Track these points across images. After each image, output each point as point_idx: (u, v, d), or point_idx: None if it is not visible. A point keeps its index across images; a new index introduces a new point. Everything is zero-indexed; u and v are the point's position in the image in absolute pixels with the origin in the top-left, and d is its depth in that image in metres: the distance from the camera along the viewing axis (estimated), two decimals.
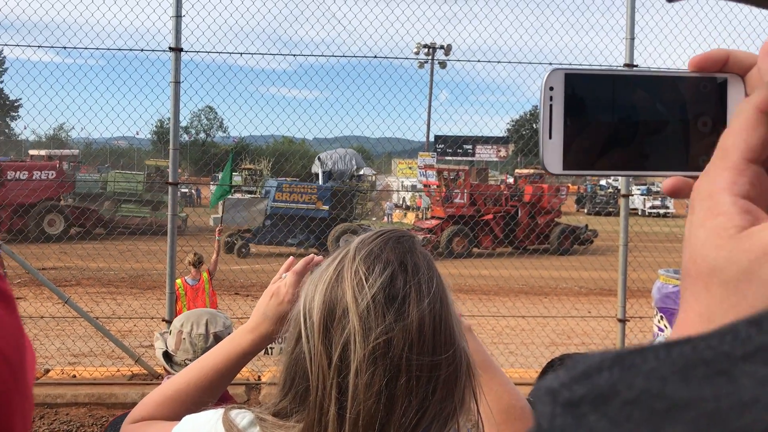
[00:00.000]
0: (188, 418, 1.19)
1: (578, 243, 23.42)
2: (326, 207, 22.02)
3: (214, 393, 1.38)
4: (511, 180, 30.42)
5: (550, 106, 0.63)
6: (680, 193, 0.62)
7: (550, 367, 2.09)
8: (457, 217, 22.54)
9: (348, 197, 22.96)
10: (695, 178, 0.65)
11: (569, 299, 13.85)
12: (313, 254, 1.41)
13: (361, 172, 27.21)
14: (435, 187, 25.01)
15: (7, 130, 64.29)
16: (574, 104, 0.64)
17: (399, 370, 0.99)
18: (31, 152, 30.79)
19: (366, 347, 0.99)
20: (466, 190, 23.65)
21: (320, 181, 24.69)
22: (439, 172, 25.44)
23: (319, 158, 26.09)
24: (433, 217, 24.74)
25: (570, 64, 7.98)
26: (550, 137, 0.63)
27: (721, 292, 0.44)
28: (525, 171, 28.80)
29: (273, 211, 21.89)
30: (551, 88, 0.64)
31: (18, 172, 23.48)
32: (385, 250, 1.06)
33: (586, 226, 24.44)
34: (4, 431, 0.39)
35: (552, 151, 0.63)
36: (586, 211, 38.14)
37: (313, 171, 27.09)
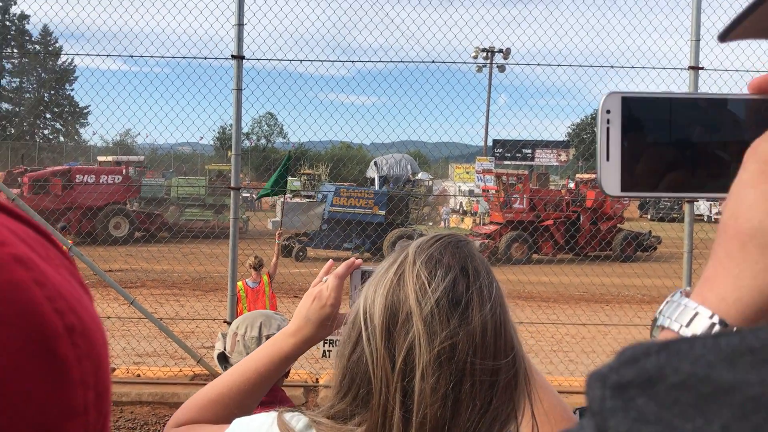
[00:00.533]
0: (239, 421, 1.20)
1: (641, 249, 22.85)
2: (382, 212, 22.12)
3: (256, 396, 1.39)
4: (572, 185, 29.89)
5: (607, 128, 0.64)
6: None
7: None
8: (516, 222, 22.26)
9: (404, 202, 22.99)
10: None
11: (632, 307, 13.52)
12: (353, 258, 1.41)
13: (416, 177, 27.21)
14: (494, 192, 24.78)
15: (76, 137, 66.68)
16: (631, 127, 0.64)
17: (464, 374, 1.00)
18: (100, 158, 31.78)
19: (431, 351, 0.99)
20: (525, 195, 23.35)
21: (376, 186, 24.75)
22: (498, 176, 25.21)
23: (375, 163, 26.20)
24: (491, 223, 24.53)
25: (632, 67, 7.78)
26: (608, 159, 0.64)
27: (757, 254, 0.44)
28: (586, 176, 28.26)
29: (330, 215, 22.08)
30: (608, 111, 0.64)
31: (86, 176, 24.18)
32: (445, 255, 1.06)
33: (650, 232, 23.82)
34: (107, 404, 0.45)
35: (609, 173, 0.64)
36: (649, 216, 37.21)
37: (368, 175, 27.18)
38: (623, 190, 0.64)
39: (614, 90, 0.65)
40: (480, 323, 1.02)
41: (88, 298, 0.47)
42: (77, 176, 24.03)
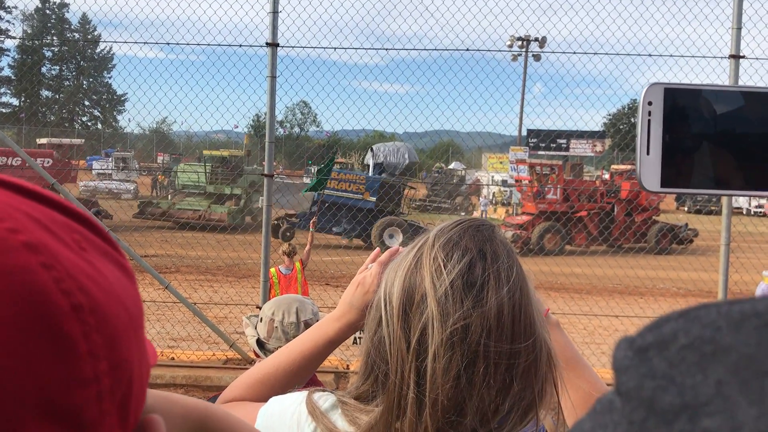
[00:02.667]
0: (274, 400, 1.24)
1: (677, 242, 22.47)
2: (373, 198, 21.56)
3: (300, 378, 1.43)
4: (607, 176, 29.47)
5: (648, 121, 0.62)
6: None
7: None
8: (549, 213, 22.03)
9: (395, 190, 22.44)
10: None
11: (666, 300, 13.35)
12: (397, 246, 1.42)
13: (414, 165, 26.40)
14: (527, 182, 24.53)
15: (114, 123, 67.75)
16: (673, 120, 0.62)
17: (477, 356, 1.00)
18: (39, 141, 30.73)
19: (443, 332, 1.00)
20: (559, 186, 23.08)
21: (370, 173, 24.05)
22: (532, 166, 24.94)
23: (371, 149, 25.61)
24: (524, 213, 24.32)
25: (671, 56, 7.65)
26: (648, 153, 0.62)
27: None
28: (622, 167, 27.83)
29: (318, 197, 21.37)
30: (650, 103, 0.62)
31: (10, 159, 22.24)
32: (464, 238, 1.07)
33: (686, 224, 23.40)
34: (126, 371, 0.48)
35: (650, 168, 0.62)
36: (686, 209, 36.60)
37: (365, 162, 26.45)
38: (663, 185, 0.62)
39: (657, 81, 0.63)
40: (495, 306, 1.02)
41: (125, 276, 0.50)
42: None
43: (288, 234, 20.62)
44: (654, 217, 23.69)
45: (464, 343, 1.00)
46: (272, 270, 8.29)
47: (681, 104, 0.62)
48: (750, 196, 0.66)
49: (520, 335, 1.03)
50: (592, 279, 13.31)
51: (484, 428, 1.01)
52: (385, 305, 1.07)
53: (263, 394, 1.39)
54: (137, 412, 0.50)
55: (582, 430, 0.40)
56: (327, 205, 20.43)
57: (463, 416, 1.00)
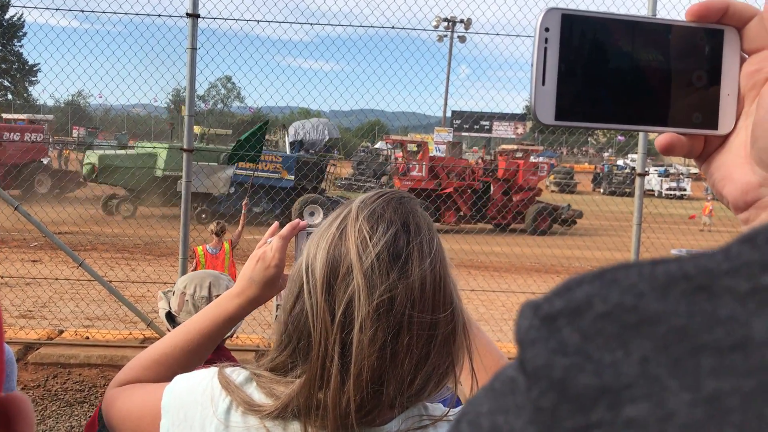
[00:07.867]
0: (181, 377, 1.20)
1: (559, 223, 22.58)
2: (291, 177, 21.46)
3: (200, 356, 1.39)
4: (481, 156, 29.87)
5: (545, 49, 0.58)
6: (673, 150, 0.60)
7: None
8: (419, 190, 21.73)
9: (318, 168, 22.19)
10: (689, 135, 0.60)
11: None
12: (298, 219, 1.41)
13: (337, 141, 26.12)
14: (399, 159, 24.72)
15: (25, 94, 64.55)
16: (569, 49, 0.59)
17: (401, 327, 1.01)
18: (6, 116, 29.78)
19: (370, 304, 1.01)
20: (423, 163, 23.15)
21: (287, 151, 23.69)
22: (402, 144, 25.20)
23: (286, 127, 25.14)
24: None
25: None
26: (543, 83, 0.58)
27: None
28: (508, 147, 28.33)
29: (235, 178, 20.91)
30: (547, 29, 0.58)
31: (11, 134, 22.68)
32: (387, 210, 1.08)
33: (569, 205, 23.33)
34: None
35: (544, 99, 0.58)
36: (602, 191, 37.89)
37: (285, 141, 25.62)
38: (557, 118, 0.59)
39: (554, 6, 0.59)
40: (419, 277, 1.03)
41: None
42: (4, 134, 22.28)
43: (203, 216, 19.58)
44: (537, 198, 23.46)
45: (390, 314, 1.01)
46: (199, 249, 8.14)
47: (580, 32, 0.59)
48: (641, 131, 0.65)
49: (440, 306, 1.05)
50: (511, 257, 13.65)
51: (403, 396, 1.03)
52: (308, 277, 1.06)
53: (161, 374, 1.34)
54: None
55: (478, 413, 0.34)
56: (244, 186, 19.76)
57: (385, 386, 1.02)
